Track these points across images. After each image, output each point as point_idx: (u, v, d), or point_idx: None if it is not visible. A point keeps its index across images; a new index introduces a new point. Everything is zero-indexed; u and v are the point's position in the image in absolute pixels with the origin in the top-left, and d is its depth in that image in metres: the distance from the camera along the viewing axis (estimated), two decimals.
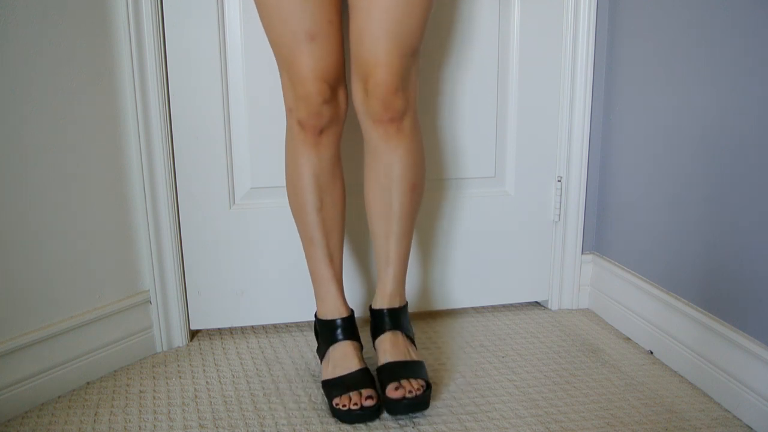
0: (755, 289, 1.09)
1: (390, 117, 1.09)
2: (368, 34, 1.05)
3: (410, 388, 1.09)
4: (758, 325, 1.09)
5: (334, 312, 1.19)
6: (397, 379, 1.10)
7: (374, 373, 1.17)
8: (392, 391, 1.08)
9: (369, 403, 1.08)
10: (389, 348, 1.15)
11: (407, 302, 1.23)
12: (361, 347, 1.20)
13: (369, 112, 1.10)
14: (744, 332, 1.12)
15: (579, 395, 1.20)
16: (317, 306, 1.22)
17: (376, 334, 1.19)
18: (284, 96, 1.14)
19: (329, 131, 1.15)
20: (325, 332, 1.19)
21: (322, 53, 1.08)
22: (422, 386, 1.10)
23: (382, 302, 1.20)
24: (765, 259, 1.07)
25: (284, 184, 1.39)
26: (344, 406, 1.08)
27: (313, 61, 1.08)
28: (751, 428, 1.09)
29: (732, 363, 1.13)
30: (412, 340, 1.20)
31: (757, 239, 1.08)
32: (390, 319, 1.18)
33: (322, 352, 1.20)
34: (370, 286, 1.49)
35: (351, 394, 1.09)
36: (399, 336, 1.17)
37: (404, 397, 1.07)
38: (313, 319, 1.30)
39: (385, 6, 1.03)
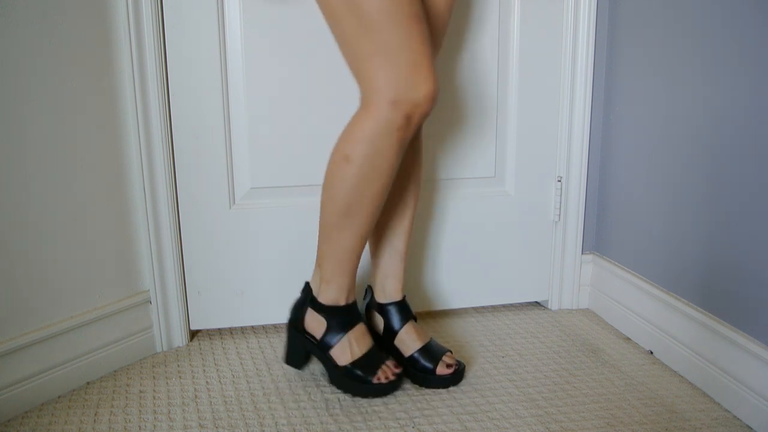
0: (755, 289, 1.09)
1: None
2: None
3: (452, 362, 1.24)
4: (758, 325, 1.09)
5: (350, 296, 1.21)
6: (438, 358, 1.23)
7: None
8: (444, 369, 1.22)
9: (399, 370, 1.20)
10: (417, 335, 1.25)
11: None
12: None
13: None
14: (744, 332, 1.12)
15: (579, 395, 1.20)
16: (335, 295, 1.19)
17: (400, 324, 1.26)
18: None
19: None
20: (345, 317, 1.20)
21: (428, 39, 1.10)
22: (453, 356, 1.26)
23: (398, 294, 1.27)
24: (765, 259, 1.07)
25: (284, 184, 1.40)
26: (387, 379, 1.18)
27: (428, 45, 1.08)
28: (751, 428, 1.09)
29: (732, 363, 1.13)
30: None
31: (757, 239, 1.08)
32: (409, 310, 1.28)
33: (337, 339, 1.19)
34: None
35: (383, 367, 1.19)
36: (415, 323, 1.28)
37: (455, 371, 1.22)
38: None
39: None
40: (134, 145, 1.28)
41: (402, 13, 0.97)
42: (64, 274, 1.20)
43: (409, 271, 1.50)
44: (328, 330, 1.19)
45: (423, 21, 1.00)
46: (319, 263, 1.18)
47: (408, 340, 1.24)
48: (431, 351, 1.24)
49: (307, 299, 1.21)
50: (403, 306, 1.27)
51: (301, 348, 1.23)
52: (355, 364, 1.18)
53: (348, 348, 1.19)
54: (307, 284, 1.23)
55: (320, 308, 1.19)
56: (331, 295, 1.19)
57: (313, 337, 1.21)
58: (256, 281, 1.43)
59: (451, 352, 1.26)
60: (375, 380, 1.18)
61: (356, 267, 1.19)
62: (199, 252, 1.38)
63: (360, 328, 1.21)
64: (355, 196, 1.07)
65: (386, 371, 1.19)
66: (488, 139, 1.48)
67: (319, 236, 1.16)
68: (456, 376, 1.23)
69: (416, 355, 1.23)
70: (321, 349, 1.20)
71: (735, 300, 1.14)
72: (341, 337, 1.19)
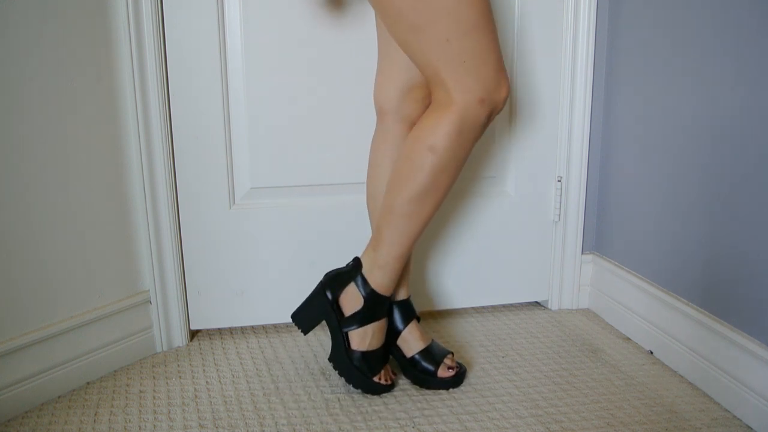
0: (755, 289, 1.09)
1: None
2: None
3: (453, 365, 1.24)
4: (758, 325, 1.09)
5: (391, 289, 1.22)
6: (440, 361, 1.24)
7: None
8: (445, 372, 1.23)
9: (394, 378, 1.24)
10: (420, 336, 1.26)
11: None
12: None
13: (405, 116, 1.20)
14: (744, 332, 1.12)
15: (579, 395, 1.20)
16: (387, 282, 1.20)
17: (404, 324, 1.26)
18: None
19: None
20: (381, 307, 1.21)
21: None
22: (454, 359, 1.26)
23: (403, 294, 1.26)
24: (765, 259, 1.07)
25: (284, 184, 1.40)
26: (384, 381, 1.21)
27: (498, 49, 1.13)
28: (751, 428, 1.09)
29: (732, 363, 1.13)
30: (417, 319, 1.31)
31: (757, 239, 1.08)
32: (413, 310, 1.27)
33: (362, 323, 1.20)
34: None
35: (385, 369, 1.22)
36: (418, 323, 1.28)
37: (456, 374, 1.24)
38: None
39: None
40: (134, 145, 1.28)
41: (491, 18, 1.05)
42: (64, 274, 1.20)
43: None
44: (361, 312, 1.19)
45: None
46: (376, 246, 1.18)
47: (411, 341, 1.25)
48: (433, 353, 1.24)
49: (357, 274, 1.20)
50: (407, 306, 1.27)
51: (319, 314, 1.23)
52: (365, 354, 1.19)
53: (367, 337, 1.20)
54: (357, 259, 1.22)
55: (366, 288, 1.20)
56: (382, 281, 1.19)
57: (341, 311, 1.21)
58: (256, 281, 1.43)
59: (452, 354, 1.26)
60: (375, 378, 1.20)
61: (408, 260, 1.25)
62: (199, 252, 1.38)
63: (383, 323, 1.22)
64: (432, 185, 1.12)
65: (386, 374, 1.22)
66: (488, 139, 1.48)
67: (380, 222, 1.16)
68: (457, 379, 1.23)
69: (418, 356, 1.23)
70: (342, 326, 1.20)
71: (735, 300, 1.14)
72: (366, 324, 1.20)
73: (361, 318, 1.19)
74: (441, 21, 1.02)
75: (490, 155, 1.50)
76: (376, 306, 1.20)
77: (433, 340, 1.27)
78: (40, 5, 1.11)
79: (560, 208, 1.54)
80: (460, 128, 1.08)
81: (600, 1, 1.45)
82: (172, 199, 1.33)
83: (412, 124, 1.21)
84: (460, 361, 1.28)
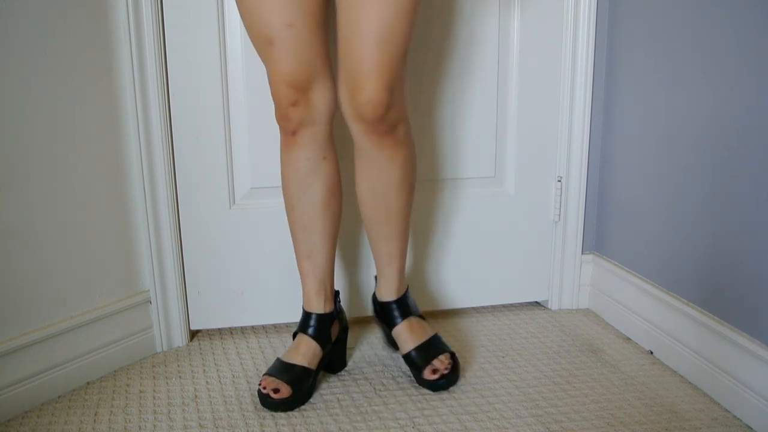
0: (755, 289, 1.09)
1: (384, 130, 1.08)
2: (356, 40, 1.01)
3: (442, 366, 1.20)
4: (758, 325, 1.09)
5: (308, 305, 1.23)
6: (428, 361, 1.21)
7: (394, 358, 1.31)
8: (429, 375, 1.20)
9: (272, 394, 1.14)
10: (408, 336, 1.24)
11: (407, 285, 1.31)
12: (321, 348, 1.21)
13: (359, 121, 1.08)
14: (744, 332, 1.12)
15: (579, 395, 1.20)
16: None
17: (390, 325, 1.27)
18: None
19: (303, 132, 1.14)
20: (301, 320, 1.24)
21: (283, 57, 1.06)
22: (450, 361, 1.22)
23: (389, 295, 1.26)
24: (765, 259, 1.07)
25: (282, 183, 1.40)
26: (260, 384, 1.16)
27: (275, 65, 1.07)
28: (751, 428, 1.09)
29: (732, 363, 1.13)
30: (421, 317, 1.29)
31: (757, 239, 1.08)
32: (400, 310, 1.26)
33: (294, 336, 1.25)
34: (361, 289, 1.49)
35: (270, 379, 1.16)
36: (412, 321, 1.26)
37: (442, 376, 1.20)
38: None
39: (376, 5, 0.98)
40: (134, 145, 1.28)
41: (254, 34, 1.11)
42: (64, 274, 1.20)
43: (409, 272, 1.50)
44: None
45: (274, 40, 1.09)
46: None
47: (402, 339, 1.25)
48: (424, 352, 1.22)
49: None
50: (399, 304, 1.26)
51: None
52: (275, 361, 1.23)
53: (290, 347, 1.24)
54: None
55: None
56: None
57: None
58: (256, 281, 1.43)
59: (452, 353, 1.24)
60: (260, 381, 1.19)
61: (311, 282, 1.24)
62: (199, 252, 1.38)
63: (299, 340, 1.23)
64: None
65: (267, 383, 1.16)
66: (488, 139, 1.48)
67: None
68: (444, 381, 1.20)
69: (410, 354, 1.23)
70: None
71: (735, 300, 1.14)
72: (294, 335, 1.26)
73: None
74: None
75: (490, 155, 1.49)
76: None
77: (433, 336, 1.25)
78: (40, 6, 1.11)
79: (560, 208, 1.54)
80: None
81: (600, 1, 1.45)
82: (172, 199, 1.33)
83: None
84: (455, 362, 1.24)
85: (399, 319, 1.26)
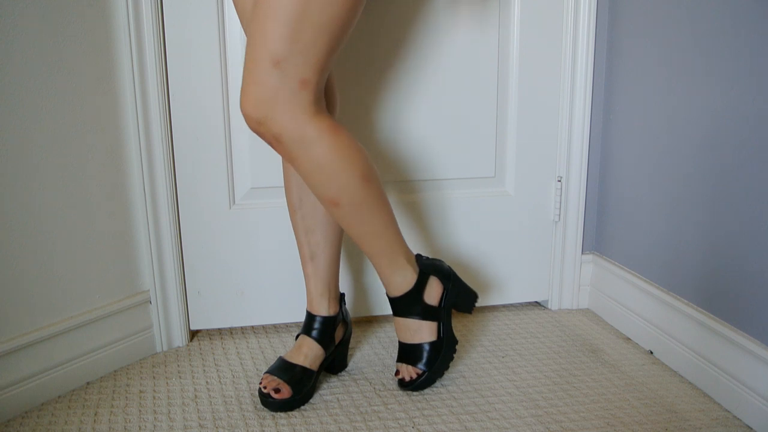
0: (755, 289, 1.09)
1: (269, 141, 1.00)
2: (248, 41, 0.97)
3: (407, 374, 1.21)
4: (758, 325, 1.09)
5: (311, 307, 1.23)
6: (401, 361, 1.22)
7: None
8: (396, 374, 1.23)
9: (273, 394, 1.14)
10: (397, 331, 1.23)
11: (408, 291, 1.18)
12: (324, 351, 1.20)
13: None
14: (744, 332, 1.12)
15: (579, 395, 1.20)
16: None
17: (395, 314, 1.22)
18: None
19: None
20: (305, 322, 1.23)
21: None
22: (417, 374, 1.20)
23: (387, 290, 1.21)
24: (765, 259, 1.07)
25: (284, 184, 1.40)
26: (261, 383, 1.16)
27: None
28: (751, 428, 1.09)
29: (732, 363, 1.13)
30: (427, 317, 1.19)
31: (757, 239, 1.08)
32: (393, 307, 1.21)
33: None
34: (361, 289, 1.49)
35: (271, 378, 1.16)
36: (407, 321, 1.20)
37: (401, 380, 1.21)
38: None
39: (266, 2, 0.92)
40: (134, 145, 1.28)
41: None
42: (64, 274, 1.20)
43: None
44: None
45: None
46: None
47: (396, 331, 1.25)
48: (404, 353, 1.21)
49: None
50: (394, 302, 1.19)
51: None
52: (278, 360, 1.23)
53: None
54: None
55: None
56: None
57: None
58: (256, 281, 1.43)
59: (423, 372, 1.19)
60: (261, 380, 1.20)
61: (314, 284, 1.23)
62: (199, 252, 1.38)
63: (300, 341, 1.22)
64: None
65: (267, 382, 1.17)
66: (488, 139, 1.48)
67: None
68: (406, 385, 1.21)
69: (399, 345, 1.23)
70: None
71: (735, 300, 1.14)
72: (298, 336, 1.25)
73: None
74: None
75: (490, 155, 1.49)
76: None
77: (414, 344, 1.20)
78: (40, 6, 1.11)
79: (560, 208, 1.54)
80: None
81: (600, 1, 1.45)
82: (172, 199, 1.33)
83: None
84: (427, 371, 1.20)
85: (395, 313, 1.21)
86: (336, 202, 1.04)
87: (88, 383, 1.25)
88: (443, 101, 1.43)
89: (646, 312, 1.38)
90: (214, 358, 1.35)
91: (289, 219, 1.40)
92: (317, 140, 0.99)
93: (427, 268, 1.20)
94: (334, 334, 1.22)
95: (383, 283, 1.19)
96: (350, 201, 1.05)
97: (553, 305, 1.59)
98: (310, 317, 1.22)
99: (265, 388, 1.14)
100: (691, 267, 1.25)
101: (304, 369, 1.17)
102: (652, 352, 1.36)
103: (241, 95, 0.98)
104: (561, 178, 1.52)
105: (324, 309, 1.22)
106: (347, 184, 1.03)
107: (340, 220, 1.08)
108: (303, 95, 0.96)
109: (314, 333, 1.20)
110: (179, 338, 1.40)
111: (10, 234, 1.11)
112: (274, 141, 0.99)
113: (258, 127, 0.98)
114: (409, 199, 1.46)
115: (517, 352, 1.37)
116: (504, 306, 1.61)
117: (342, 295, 1.27)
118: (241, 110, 0.98)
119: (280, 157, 1.37)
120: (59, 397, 1.20)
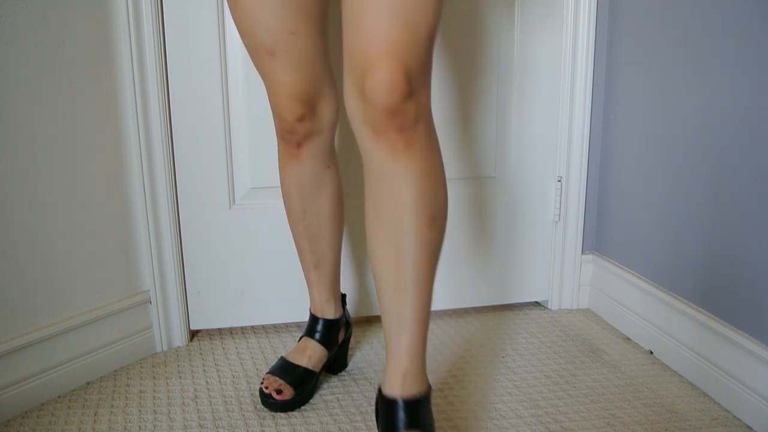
0: (755, 289, 1.09)
1: (398, 126, 0.81)
2: (365, 16, 0.79)
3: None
4: (758, 325, 1.09)
5: (316, 310, 1.22)
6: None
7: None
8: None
9: (275, 394, 1.13)
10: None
11: (430, 386, 0.92)
12: (327, 352, 1.21)
13: (368, 120, 0.82)
14: (744, 332, 1.12)
15: (579, 395, 1.20)
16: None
17: (387, 428, 0.90)
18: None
19: (309, 144, 1.07)
20: (308, 324, 1.23)
21: (287, 68, 0.98)
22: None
23: (393, 386, 0.90)
24: (765, 259, 1.07)
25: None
26: (262, 383, 1.15)
27: (279, 77, 0.98)
28: (751, 428, 1.09)
29: (732, 363, 1.13)
30: None
31: (757, 239, 1.08)
32: (407, 415, 0.88)
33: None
34: (362, 289, 1.49)
35: (273, 378, 1.15)
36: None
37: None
38: None
39: None
40: (134, 145, 1.28)
41: (253, 44, 1.03)
42: (64, 274, 1.20)
43: None
44: None
45: (276, 51, 1.01)
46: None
47: None
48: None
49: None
50: (392, 407, 0.91)
51: None
52: (279, 360, 1.22)
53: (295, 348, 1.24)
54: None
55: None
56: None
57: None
58: (256, 281, 1.43)
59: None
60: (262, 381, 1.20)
61: (319, 290, 1.22)
62: (199, 252, 1.38)
63: (304, 342, 1.22)
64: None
65: (270, 382, 1.16)
66: (488, 139, 1.49)
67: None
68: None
69: None
70: None
71: (735, 300, 1.14)
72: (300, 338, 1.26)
73: None
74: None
75: (490, 155, 1.50)
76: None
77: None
78: (40, 7, 1.11)
79: (560, 208, 1.54)
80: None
81: (600, 1, 1.45)
82: (172, 199, 1.33)
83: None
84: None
85: (400, 426, 0.88)
86: (432, 220, 0.87)
87: (88, 383, 1.25)
88: (443, 101, 1.43)
89: (646, 312, 1.38)
90: (214, 358, 1.35)
91: None
92: (433, 143, 0.86)
93: None
94: (337, 335, 1.22)
95: (399, 368, 0.90)
96: (442, 226, 0.88)
97: (553, 305, 1.59)
98: (315, 320, 1.21)
99: (266, 388, 1.14)
100: (691, 267, 1.25)
101: (306, 370, 1.17)
102: (652, 352, 1.36)
103: (384, 62, 0.79)
104: (561, 178, 1.52)
105: (330, 312, 1.21)
106: (444, 202, 0.88)
107: (433, 248, 0.88)
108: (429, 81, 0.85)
109: (318, 335, 1.20)
110: (179, 338, 1.40)
111: (11, 234, 1.11)
112: (410, 125, 0.82)
113: (402, 103, 0.80)
114: None
115: (517, 351, 1.37)
116: (504, 306, 1.61)
117: (343, 296, 1.27)
118: (378, 83, 0.79)
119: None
120: (59, 397, 1.20)
